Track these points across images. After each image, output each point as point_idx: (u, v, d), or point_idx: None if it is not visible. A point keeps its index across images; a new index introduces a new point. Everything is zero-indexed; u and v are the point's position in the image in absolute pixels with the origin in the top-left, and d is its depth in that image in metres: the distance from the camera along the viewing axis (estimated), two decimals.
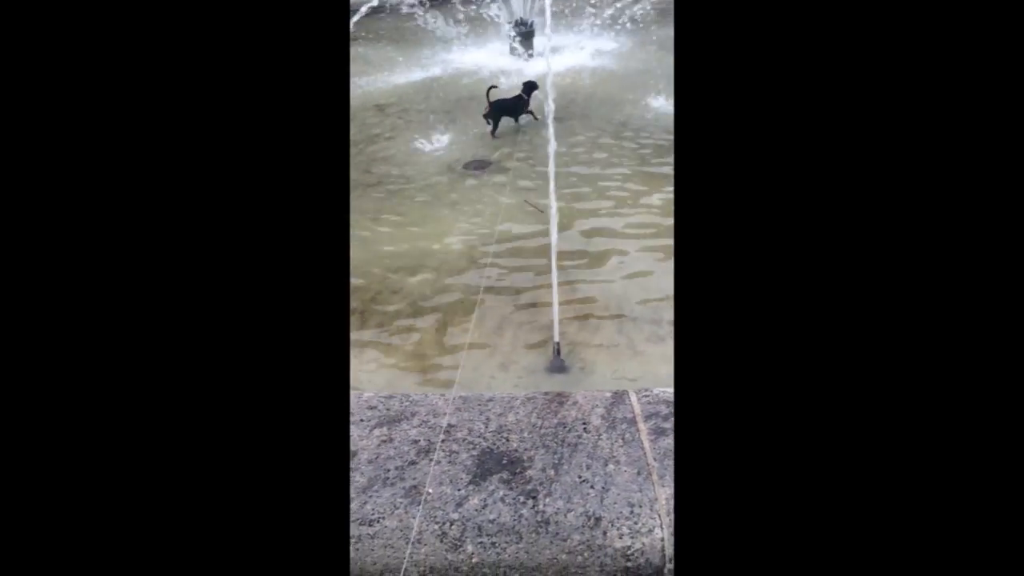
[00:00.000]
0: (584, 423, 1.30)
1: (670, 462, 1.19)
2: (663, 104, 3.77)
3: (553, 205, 1.95)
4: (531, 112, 3.62)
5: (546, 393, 1.42)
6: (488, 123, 3.51)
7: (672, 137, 3.36)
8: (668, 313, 2.10)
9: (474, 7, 5.35)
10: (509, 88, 3.79)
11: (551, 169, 2.03)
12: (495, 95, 3.51)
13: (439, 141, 3.50)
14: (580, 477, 1.17)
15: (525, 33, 4.78)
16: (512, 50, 4.81)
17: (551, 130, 1.99)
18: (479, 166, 3.23)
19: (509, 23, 4.89)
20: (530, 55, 4.76)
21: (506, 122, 3.59)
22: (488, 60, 4.83)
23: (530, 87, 3.61)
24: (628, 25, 5.09)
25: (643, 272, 2.33)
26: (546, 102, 1.97)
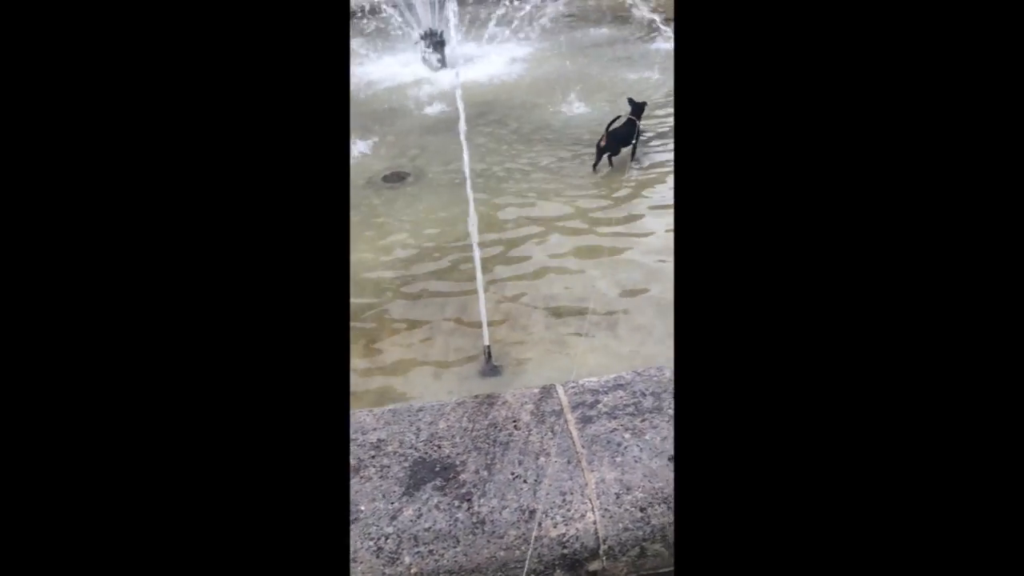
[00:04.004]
0: (514, 421, 1.32)
1: (598, 447, 1.23)
2: (575, 108, 3.88)
3: (472, 212, 1.96)
4: (635, 143, 2.91)
5: (476, 396, 1.43)
6: (598, 159, 2.95)
7: (586, 139, 3.47)
8: (594, 305, 2.16)
9: (381, 17, 5.31)
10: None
11: (467, 176, 2.05)
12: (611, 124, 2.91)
13: (356, 154, 3.45)
14: (513, 474, 1.19)
15: (435, 43, 4.79)
16: (424, 60, 4.81)
17: (463, 137, 2.01)
18: (397, 178, 3.21)
19: (419, 33, 4.88)
20: (441, 65, 4.77)
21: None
22: (399, 71, 4.81)
23: (639, 108, 2.93)
24: (537, 33, 5.21)
25: (565, 269, 2.39)
26: (459, 113, 1.99)
